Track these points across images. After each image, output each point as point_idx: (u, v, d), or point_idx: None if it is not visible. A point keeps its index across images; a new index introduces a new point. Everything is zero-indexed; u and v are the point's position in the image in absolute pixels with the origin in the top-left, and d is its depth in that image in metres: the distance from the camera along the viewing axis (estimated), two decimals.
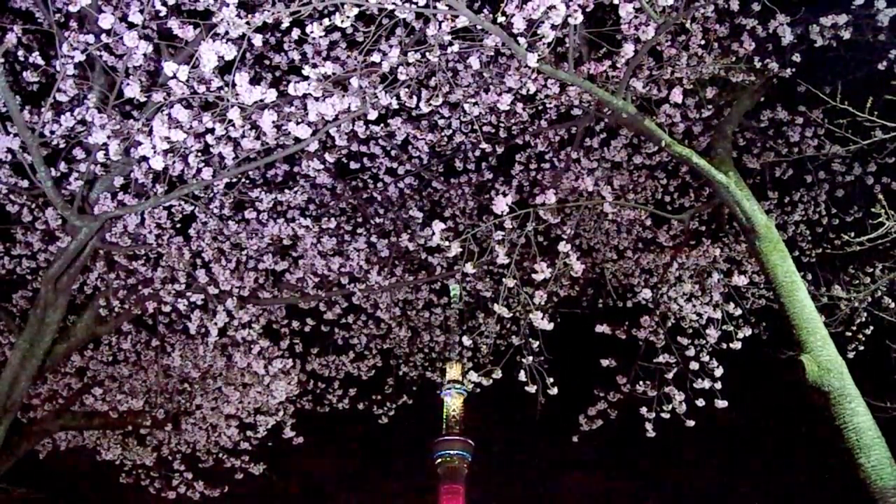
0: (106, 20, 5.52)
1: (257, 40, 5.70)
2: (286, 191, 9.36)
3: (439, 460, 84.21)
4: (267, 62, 9.35)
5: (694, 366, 8.95)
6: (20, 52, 7.27)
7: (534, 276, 6.95)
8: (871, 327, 10.46)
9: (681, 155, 6.93)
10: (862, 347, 10.50)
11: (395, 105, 6.57)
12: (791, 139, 9.80)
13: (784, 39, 7.93)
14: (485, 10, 7.55)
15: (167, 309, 9.08)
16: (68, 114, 6.64)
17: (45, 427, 9.66)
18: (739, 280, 9.00)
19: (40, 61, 6.59)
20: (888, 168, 9.93)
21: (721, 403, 8.54)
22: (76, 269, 8.10)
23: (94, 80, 7.81)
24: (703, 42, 8.48)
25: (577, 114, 9.53)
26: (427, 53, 6.33)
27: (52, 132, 6.98)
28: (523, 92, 7.59)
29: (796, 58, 8.36)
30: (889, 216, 7.30)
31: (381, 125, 8.66)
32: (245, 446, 11.57)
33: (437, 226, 6.54)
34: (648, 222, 10.68)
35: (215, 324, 8.90)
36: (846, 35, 7.97)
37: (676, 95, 7.20)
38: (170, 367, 10.10)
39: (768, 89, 9.22)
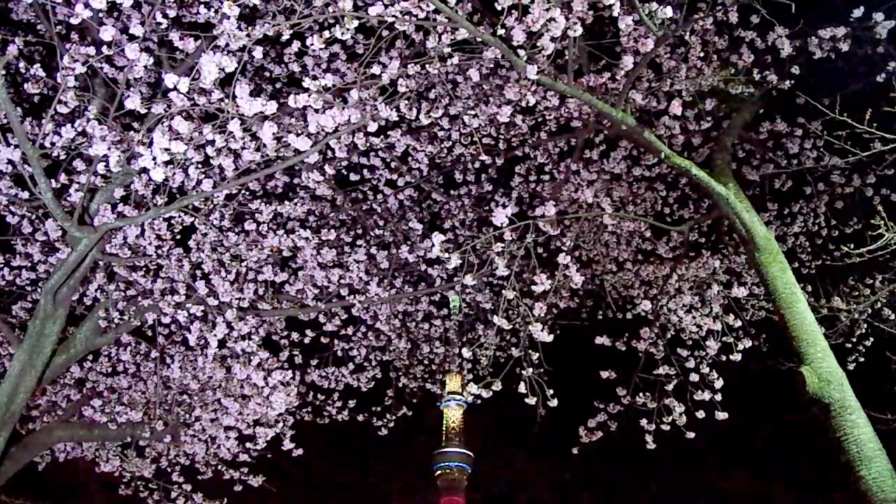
0: (107, 32, 5.55)
1: (258, 52, 5.73)
2: (286, 202, 9.36)
3: (439, 472, 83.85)
4: (267, 74, 9.39)
5: (694, 377, 8.94)
6: (21, 64, 7.30)
7: (533, 287, 6.94)
8: (872, 339, 10.44)
9: (680, 167, 6.94)
10: (862, 359, 10.49)
11: (394, 117, 6.58)
12: (790, 151, 9.82)
13: (783, 51, 7.99)
14: (484, 23, 7.61)
15: (167, 320, 9.05)
16: (69, 125, 6.64)
17: (45, 438, 9.60)
18: (739, 292, 9.00)
19: (41, 73, 6.61)
20: (887, 180, 9.94)
21: (721, 415, 8.53)
22: (76, 280, 8.09)
23: (95, 91, 7.84)
24: (702, 54, 8.53)
25: (576, 126, 9.56)
26: (427, 65, 6.36)
27: (53, 143, 6.99)
28: (523, 104, 7.61)
29: (795, 70, 8.40)
30: (888, 228, 7.31)
31: (381, 137, 8.67)
32: (244, 458, 11.49)
33: (437, 237, 6.53)
34: (648, 234, 10.69)
35: (215, 335, 8.87)
36: (845, 47, 8.01)
37: (676, 107, 7.21)
38: (169, 378, 10.06)
39: (767, 101, 9.26)
